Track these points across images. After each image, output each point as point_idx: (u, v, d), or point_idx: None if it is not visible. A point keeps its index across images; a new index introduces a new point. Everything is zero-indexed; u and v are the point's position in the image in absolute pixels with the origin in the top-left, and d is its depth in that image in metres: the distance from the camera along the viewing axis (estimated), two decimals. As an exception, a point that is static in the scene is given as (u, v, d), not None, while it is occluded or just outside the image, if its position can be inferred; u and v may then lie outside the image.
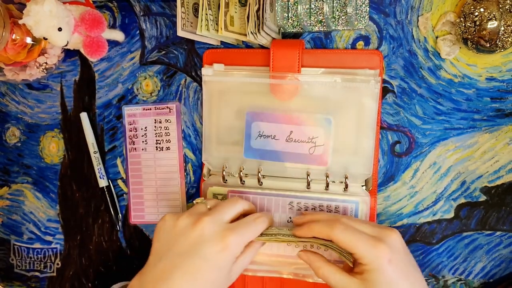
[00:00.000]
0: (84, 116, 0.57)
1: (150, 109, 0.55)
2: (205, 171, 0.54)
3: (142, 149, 0.56)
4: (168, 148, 0.55)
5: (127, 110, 0.55)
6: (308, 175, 0.50)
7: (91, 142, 0.57)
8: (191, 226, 0.43)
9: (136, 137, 0.56)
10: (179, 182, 0.55)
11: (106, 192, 0.57)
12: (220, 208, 0.45)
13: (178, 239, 0.43)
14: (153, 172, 0.56)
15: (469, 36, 0.44)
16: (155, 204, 0.56)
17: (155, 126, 0.55)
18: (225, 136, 0.52)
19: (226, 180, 0.53)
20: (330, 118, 0.49)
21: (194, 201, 0.48)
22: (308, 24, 0.49)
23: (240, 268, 0.45)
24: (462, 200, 0.50)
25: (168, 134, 0.55)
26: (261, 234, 0.46)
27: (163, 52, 0.55)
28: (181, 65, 0.54)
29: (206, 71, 0.51)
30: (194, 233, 0.42)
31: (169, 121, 0.55)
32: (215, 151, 0.53)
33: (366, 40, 0.50)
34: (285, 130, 0.50)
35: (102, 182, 0.57)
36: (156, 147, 0.55)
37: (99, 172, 0.57)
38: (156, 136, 0.55)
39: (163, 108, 0.55)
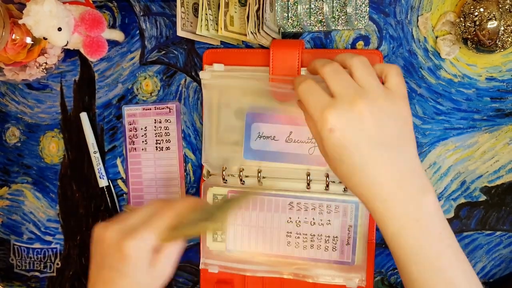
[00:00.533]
0: (84, 116, 0.57)
1: (150, 109, 0.55)
2: (205, 171, 0.54)
3: (142, 149, 0.56)
4: (168, 148, 0.55)
5: (127, 110, 0.55)
6: (308, 175, 0.50)
7: (91, 142, 0.57)
8: (99, 236, 0.42)
9: (136, 137, 0.56)
10: (179, 182, 0.55)
11: (106, 192, 0.57)
12: (132, 214, 0.43)
13: (94, 249, 0.43)
14: (153, 172, 0.56)
15: (469, 36, 0.44)
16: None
17: (155, 126, 0.55)
18: (224, 138, 0.52)
19: (226, 181, 0.53)
20: None
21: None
22: (308, 24, 0.49)
23: (162, 270, 0.42)
24: (462, 200, 0.50)
25: (168, 134, 0.55)
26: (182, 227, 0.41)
27: (163, 52, 0.55)
28: (181, 65, 0.54)
29: (203, 75, 0.51)
30: (102, 243, 0.41)
31: (169, 121, 0.55)
32: (214, 153, 0.53)
33: (366, 40, 0.50)
34: (285, 131, 0.50)
35: (102, 182, 0.57)
36: (156, 147, 0.55)
37: (99, 172, 0.57)
38: (156, 136, 0.55)
39: (163, 108, 0.55)
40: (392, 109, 0.36)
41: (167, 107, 0.55)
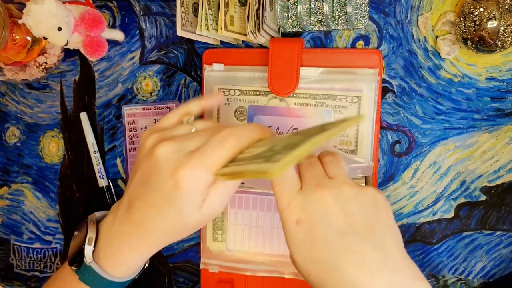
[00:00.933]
0: (83, 116, 0.57)
1: (150, 109, 0.55)
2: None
3: (142, 149, 0.56)
4: None
5: (127, 110, 0.55)
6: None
7: (91, 142, 0.57)
8: (148, 153, 0.36)
9: (136, 136, 0.56)
10: None
11: (106, 192, 0.57)
12: (192, 135, 0.37)
13: (142, 161, 0.37)
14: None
15: (469, 36, 0.44)
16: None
17: None
18: None
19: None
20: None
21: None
22: (308, 24, 0.49)
23: (212, 208, 0.36)
24: (462, 200, 0.50)
25: None
26: (235, 161, 0.35)
27: (163, 51, 0.55)
28: (181, 65, 0.54)
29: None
30: (151, 159, 0.36)
31: None
32: None
33: (366, 39, 0.50)
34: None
35: (102, 182, 0.57)
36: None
37: (99, 172, 0.57)
38: (156, 136, 0.55)
39: (162, 108, 0.55)
40: (361, 193, 0.34)
41: (167, 107, 0.55)
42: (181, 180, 0.34)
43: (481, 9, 0.43)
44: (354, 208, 0.34)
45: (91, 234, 0.39)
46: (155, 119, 0.55)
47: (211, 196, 0.35)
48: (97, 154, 0.57)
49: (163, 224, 0.36)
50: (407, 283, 0.32)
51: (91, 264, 0.38)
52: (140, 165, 0.37)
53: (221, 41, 0.52)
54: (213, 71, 0.51)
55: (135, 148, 0.56)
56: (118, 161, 0.57)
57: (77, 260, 0.39)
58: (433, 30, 0.48)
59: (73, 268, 0.39)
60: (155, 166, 0.36)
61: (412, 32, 0.49)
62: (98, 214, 0.42)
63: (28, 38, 0.49)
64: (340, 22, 0.48)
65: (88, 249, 0.39)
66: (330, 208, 0.33)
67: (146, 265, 0.44)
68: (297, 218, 0.34)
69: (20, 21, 0.46)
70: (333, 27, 0.49)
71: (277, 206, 0.36)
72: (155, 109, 0.55)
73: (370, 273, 0.31)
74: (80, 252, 0.39)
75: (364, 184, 0.49)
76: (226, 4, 0.46)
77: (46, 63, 0.53)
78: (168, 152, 0.35)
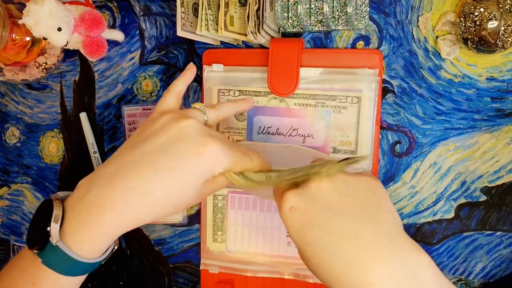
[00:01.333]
0: (83, 116, 0.57)
1: (150, 109, 0.55)
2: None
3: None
4: None
5: (126, 110, 0.55)
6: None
7: (90, 142, 0.56)
8: (174, 122, 0.38)
9: None
10: None
11: None
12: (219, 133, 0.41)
13: (157, 133, 0.38)
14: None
15: (469, 36, 0.44)
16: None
17: None
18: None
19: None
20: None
21: (192, 105, 0.44)
22: (308, 24, 0.49)
23: (205, 193, 0.39)
24: (462, 200, 0.50)
25: None
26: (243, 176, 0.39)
27: (163, 52, 0.55)
28: (180, 65, 0.54)
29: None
30: (174, 128, 0.38)
31: None
32: None
33: (366, 40, 0.50)
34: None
35: None
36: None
37: None
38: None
39: None
40: (357, 180, 0.35)
41: None
42: (208, 151, 0.37)
43: (482, 9, 0.43)
44: (349, 190, 0.34)
45: (57, 211, 0.36)
46: None
47: (212, 182, 0.38)
48: (97, 155, 0.57)
49: (161, 190, 0.36)
50: (406, 261, 0.31)
51: (58, 243, 0.35)
52: (155, 133, 0.38)
53: (221, 41, 0.52)
54: (212, 72, 0.51)
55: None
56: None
57: (38, 242, 0.36)
58: (433, 30, 0.48)
59: (35, 251, 0.36)
60: (184, 132, 0.38)
61: (412, 32, 0.49)
62: (61, 194, 0.40)
63: (28, 38, 0.49)
64: (340, 22, 0.48)
65: (55, 227, 0.36)
66: (324, 190, 0.34)
67: (116, 247, 0.41)
68: (290, 205, 0.34)
69: (20, 22, 0.45)
70: (333, 28, 0.49)
71: (275, 201, 0.37)
72: None
73: (370, 253, 0.31)
74: (42, 233, 0.36)
75: None
76: (226, 4, 0.46)
77: (46, 63, 0.53)
78: (198, 126, 0.38)
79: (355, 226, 0.32)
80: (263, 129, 0.51)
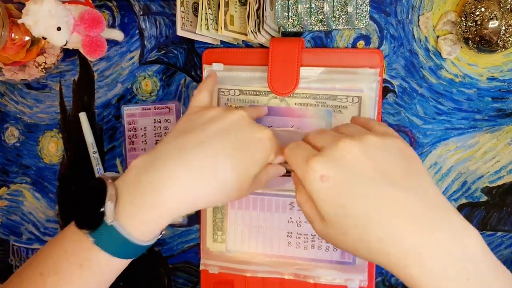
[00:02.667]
0: (83, 116, 0.56)
1: (150, 109, 0.55)
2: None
3: (142, 149, 0.56)
4: None
5: (126, 110, 0.55)
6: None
7: (90, 142, 0.56)
8: (226, 112, 0.40)
9: (135, 137, 0.55)
10: None
11: None
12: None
13: (214, 120, 0.39)
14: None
15: (470, 36, 0.44)
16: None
17: (154, 126, 0.55)
18: None
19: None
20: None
21: (229, 104, 0.49)
22: (309, 24, 0.48)
23: (258, 182, 0.41)
24: (463, 201, 0.50)
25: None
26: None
27: (163, 51, 0.54)
28: (180, 64, 0.54)
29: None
30: (231, 116, 0.39)
31: (168, 121, 0.55)
32: None
33: (367, 39, 0.50)
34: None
35: None
36: (156, 147, 0.55)
37: (98, 172, 0.56)
38: (155, 136, 0.55)
39: (162, 108, 0.55)
40: (387, 144, 0.32)
41: (166, 107, 0.54)
42: (267, 137, 0.40)
43: (483, 9, 0.43)
44: (383, 156, 0.31)
45: (111, 191, 0.35)
46: (154, 119, 0.55)
47: (263, 172, 0.41)
48: (97, 155, 0.56)
49: (231, 171, 0.37)
50: (455, 232, 0.30)
51: (113, 223, 0.34)
52: (210, 121, 0.39)
53: (221, 40, 0.52)
54: (212, 71, 0.51)
55: (134, 149, 0.56)
56: (118, 161, 0.57)
57: (91, 222, 0.35)
58: (434, 30, 0.48)
59: (85, 231, 0.35)
60: (240, 120, 0.40)
61: (413, 32, 0.49)
62: (108, 174, 0.40)
63: (27, 38, 0.49)
64: (341, 21, 0.48)
65: (110, 207, 0.34)
66: (357, 157, 0.31)
67: (163, 232, 0.39)
68: (321, 174, 0.31)
69: (19, 21, 0.45)
70: (333, 27, 0.48)
71: (298, 176, 0.34)
72: (155, 109, 0.55)
73: (417, 223, 0.29)
74: (95, 212, 0.34)
75: None
76: (226, 4, 0.46)
77: (45, 63, 0.53)
78: (248, 117, 0.41)
79: (398, 194, 0.30)
80: None
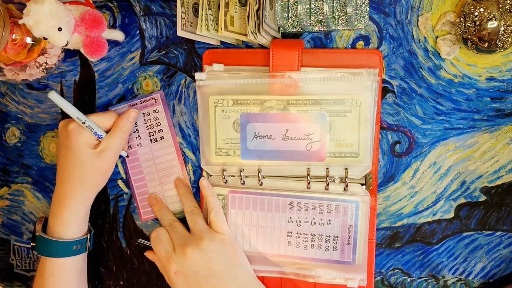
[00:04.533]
0: (53, 95, 0.49)
1: (136, 104, 0.55)
2: (204, 173, 0.54)
3: (138, 145, 0.56)
4: (162, 138, 0.56)
5: (114, 111, 0.55)
6: (308, 171, 0.50)
7: (75, 116, 0.50)
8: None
9: (129, 134, 0.55)
10: (179, 168, 0.55)
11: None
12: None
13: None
14: (153, 165, 0.56)
15: (469, 36, 0.44)
16: (161, 195, 0.56)
17: (144, 120, 0.56)
18: (222, 140, 0.52)
19: (226, 181, 0.53)
20: (325, 113, 0.49)
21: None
22: (308, 24, 0.49)
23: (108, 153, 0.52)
24: (462, 200, 0.50)
25: (158, 124, 0.55)
26: None
27: (163, 52, 0.55)
28: (181, 65, 0.54)
29: (199, 76, 0.51)
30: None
31: (156, 111, 0.55)
32: (213, 157, 0.52)
33: (366, 40, 0.50)
34: (281, 129, 0.50)
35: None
36: (150, 139, 0.56)
37: (95, 135, 0.52)
38: (148, 129, 0.56)
39: (148, 100, 0.55)
40: (214, 245, 0.50)
41: (152, 98, 0.55)
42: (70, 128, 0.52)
43: (481, 10, 0.43)
44: (211, 256, 0.49)
45: (40, 217, 0.54)
46: (143, 113, 0.55)
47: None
48: (87, 123, 0.51)
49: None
50: None
51: (40, 233, 0.51)
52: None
53: (221, 41, 0.52)
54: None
55: (130, 146, 0.56)
56: (118, 161, 0.57)
57: (32, 240, 0.53)
58: (433, 30, 0.48)
59: (32, 248, 0.52)
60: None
61: (412, 32, 0.49)
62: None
63: (28, 38, 0.49)
64: (340, 22, 0.48)
65: (38, 227, 0.52)
66: (195, 261, 0.49)
67: (92, 231, 0.55)
68: (175, 270, 0.49)
69: (20, 21, 0.45)
70: (333, 28, 0.49)
71: (160, 261, 0.51)
72: (141, 103, 0.55)
73: None
74: (33, 233, 0.53)
75: (345, 188, 0.50)
76: (226, 4, 0.46)
77: (46, 63, 0.53)
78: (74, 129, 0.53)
79: (220, 284, 0.48)
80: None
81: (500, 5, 0.43)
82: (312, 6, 0.48)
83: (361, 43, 0.50)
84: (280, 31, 0.50)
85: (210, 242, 0.49)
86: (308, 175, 0.50)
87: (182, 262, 0.49)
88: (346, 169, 0.49)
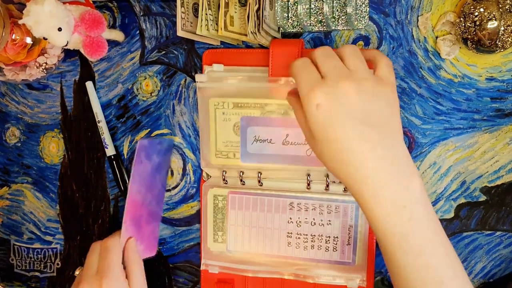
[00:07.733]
0: (89, 85, 0.56)
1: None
2: (204, 174, 0.54)
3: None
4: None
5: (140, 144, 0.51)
6: (308, 175, 0.50)
7: (95, 111, 0.56)
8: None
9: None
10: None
11: (114, 162, 0.56)
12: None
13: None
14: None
15: (469, 36, 0.44)
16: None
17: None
18: (222, 143, 0.52)
19: (227, 182, 0.53)
20: None
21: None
22: (308, 24, 0.49)
23: None
24: (462, 200, 0.50)
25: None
26: None
27: (163, 52, 0.55)
28: (181, 65, 0.54)
29: (199, 78, 0.51)
30: None
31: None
32: (212, 159, 0.52)
33: (366, 40, 0.50)
34: (281, 134, 0.50)
35: (109, 152, 0.56)
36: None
37: (103, 142, 0.56)
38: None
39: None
40: (379, 92, 0.37)
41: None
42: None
43: (481, 10, 0.43)
44: (372, 102, 0.37)
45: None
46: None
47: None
48: (102, 124, 0.56)
49: None
50: (401, 171, 0.36)
51: None
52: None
53: (221, 41, 0.52)
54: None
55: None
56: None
57: None
58: (433, 30, 0.48)
59: None
60: None
61: (412, 32, 0.49)
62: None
63: (28, 38, 0.49)
64: (340, 22, 0.48)
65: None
66: (351, 98, 0.36)
67: None
68: (318, 102, 0.36)
69: (20, 22, 0.45)
70: (333, 28, 0.49)
71: (300, 92, 0.38)
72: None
73: (377, 159, 0.36)
74: None
75: (345, 188, 0.50)
76: (226, 5, 0.46)
77: (46, 63, 0.53)
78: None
79: (373, 137, 0.36)
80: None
81: (500, 5, 0.43)
82: (312, 6, 0.48)
83: (361, 43, 0.50)
84: (280, 31, 0.50)
85: (376, 88, 0.37)
86: (308, 175, 0.50)
87: (332, 93, 0.36)
88: None
